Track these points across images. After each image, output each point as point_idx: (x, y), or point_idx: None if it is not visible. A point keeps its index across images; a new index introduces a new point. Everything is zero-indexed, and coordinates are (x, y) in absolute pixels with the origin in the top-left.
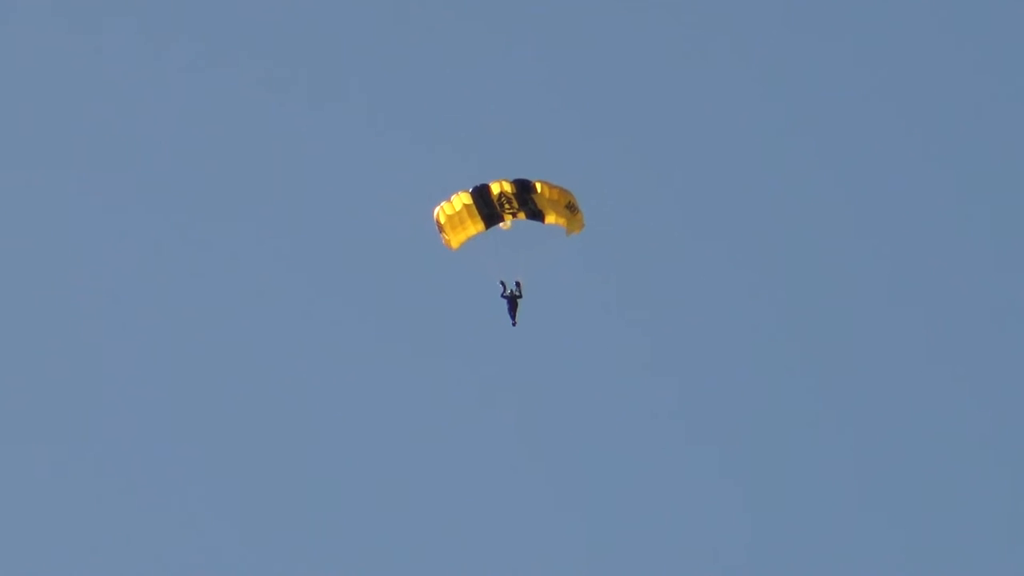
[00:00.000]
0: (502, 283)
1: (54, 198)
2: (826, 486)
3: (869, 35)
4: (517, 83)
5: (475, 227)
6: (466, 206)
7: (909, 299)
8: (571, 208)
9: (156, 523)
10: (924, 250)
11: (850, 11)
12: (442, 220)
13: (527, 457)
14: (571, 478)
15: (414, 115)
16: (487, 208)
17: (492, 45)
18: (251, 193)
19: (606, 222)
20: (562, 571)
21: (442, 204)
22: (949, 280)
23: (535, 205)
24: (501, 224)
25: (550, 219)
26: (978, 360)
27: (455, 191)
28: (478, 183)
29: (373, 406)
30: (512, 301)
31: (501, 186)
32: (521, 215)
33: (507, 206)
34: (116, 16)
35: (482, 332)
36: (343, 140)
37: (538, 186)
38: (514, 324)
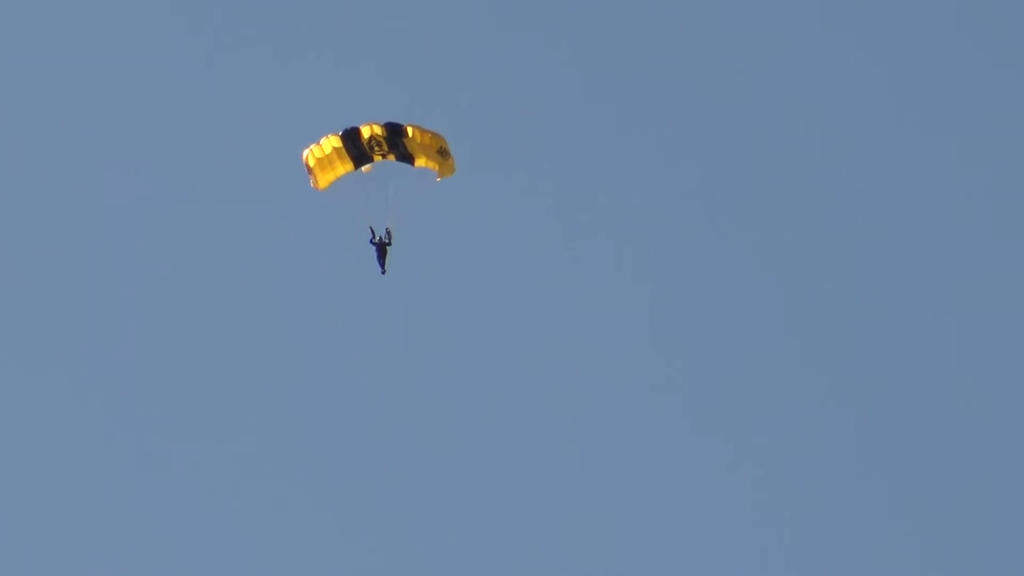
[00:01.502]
0: (371, 229)
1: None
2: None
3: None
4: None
5: (344, 168)
6: (335, 149)
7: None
8: (443, 153)
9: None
10: (932, 237)
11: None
12: (311, 163)
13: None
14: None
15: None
16: (356, 150)
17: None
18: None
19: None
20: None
21: (311, 147)
22: (953, 270)
23: (405, 148)
24: (363, 168)
25: (419, 162)
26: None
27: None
28: (347, 126)
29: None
30: (381, 248)
31: (372, 129)
32: (391, 157)
33: (376, 148)
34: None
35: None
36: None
37: (409, 130)
38: (383, 272)
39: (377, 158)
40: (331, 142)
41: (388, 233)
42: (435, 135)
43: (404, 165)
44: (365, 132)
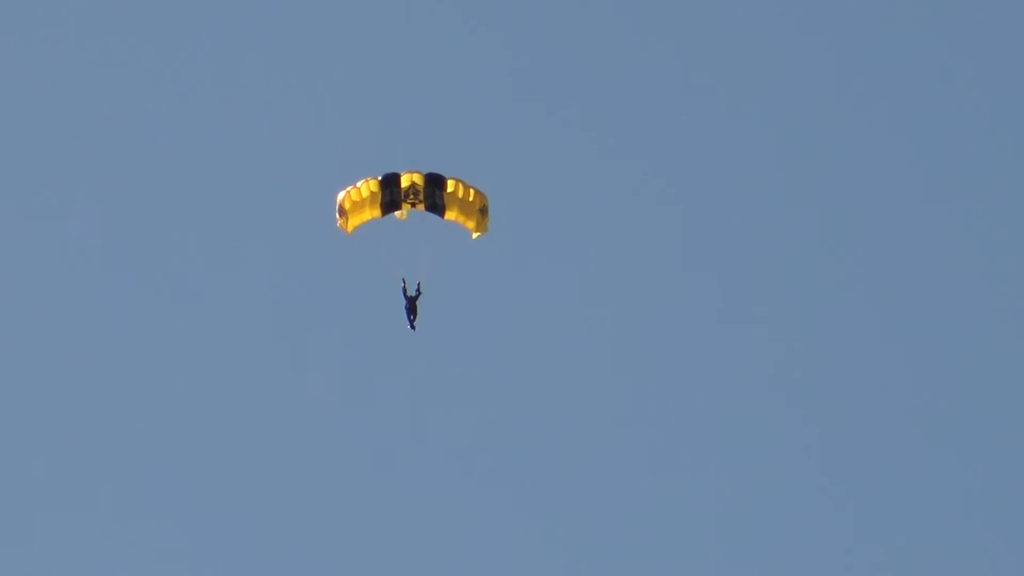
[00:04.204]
0: (403, 281)
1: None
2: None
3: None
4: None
5: (371, 213)
6: (372, 193)
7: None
8: (483, 211)
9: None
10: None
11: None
12: (347, 205)
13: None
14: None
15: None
16: (390, 196)
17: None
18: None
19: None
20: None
21: (348, 189)
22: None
23: (440, 200)
24: (397, 212)
25: (450, 215)
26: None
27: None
28: (388, 172)
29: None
30: (412, 303)
31: (411, 177)
32: (421, 207)
33: (411, 197)
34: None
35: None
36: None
37: (450, 183)
38: (412, 328)
39: (406, 206)
40: (369, 186)
41: (419, 288)
42: (479, 192)
43: (435, 217)
44: (405, 180)
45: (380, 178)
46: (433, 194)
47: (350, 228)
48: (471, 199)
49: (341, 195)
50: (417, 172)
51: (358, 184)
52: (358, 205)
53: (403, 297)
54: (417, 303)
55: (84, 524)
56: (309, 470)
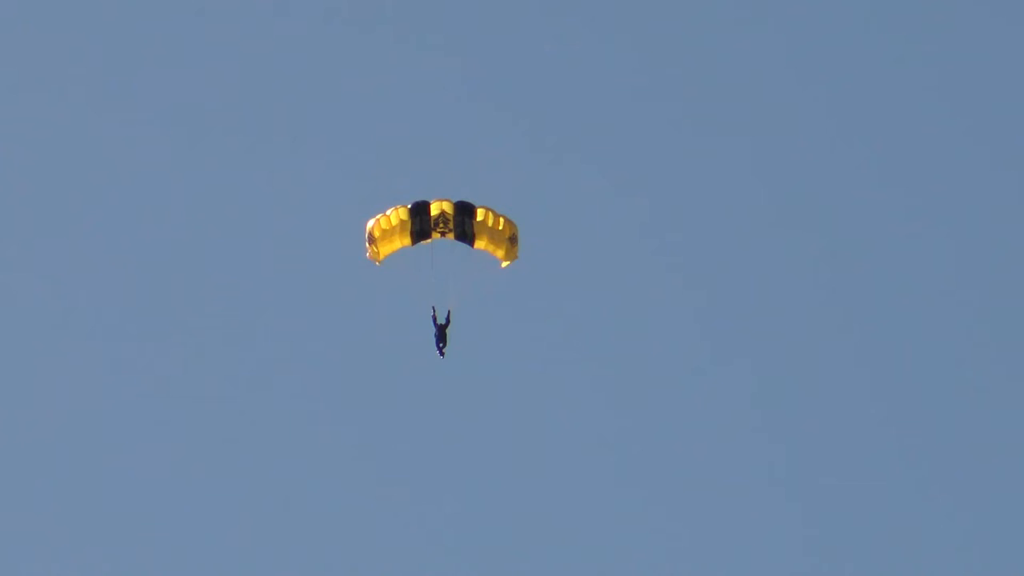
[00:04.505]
0: (433, 308)
1: None
2: None
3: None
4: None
5: (401, 242)
6: (401, 221)
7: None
8: (513, 240)
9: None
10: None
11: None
12: (376, 233)
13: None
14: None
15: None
16: (419, 225)
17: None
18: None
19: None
20: None
21: (378, 217)
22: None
23: (470, 229)
24: (424, 240)
25: (479, 244)
26: None
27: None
28: (418, 199)
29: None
30: (441, 330)
31: (441, 206)
32: (450, 236)
33: (441, 226)
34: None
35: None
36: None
37: (480, 212)
38: (442, 355)
39: (436, 235)
40: (399, 214)
41: (448, 315)
42: (509, 221)
43: (464, 245)
44: (435, 208)
45: (409, 206)
46: (463, 222)
47: (381, 257)
48: (501, 227)
49: (371, 223)
50: (446, 200)
51: (387, 212)
52: (388, 233)
53: (432, 325)
54: (447, 331)
55: (83, 524)
56: (336, 498)
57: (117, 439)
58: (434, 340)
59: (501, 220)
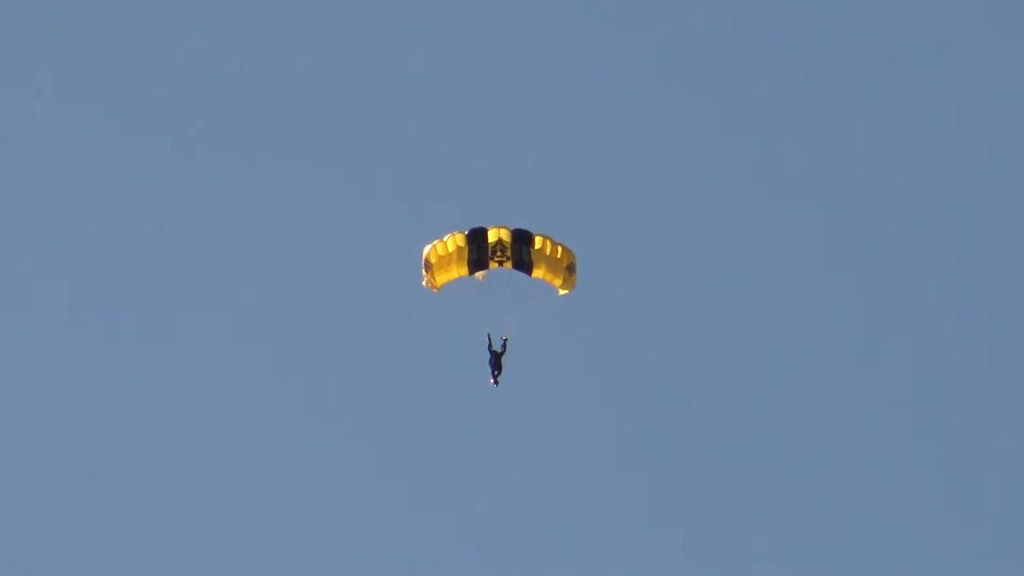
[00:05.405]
0: (488, 336)
1: None
2: None
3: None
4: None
5: (459, 271)
6: (459, 248)
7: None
8: (571, 269)
9: None
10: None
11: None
12: (432, 260)
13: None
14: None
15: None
16: (477, 254)
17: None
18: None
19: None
20: None
21: (435, 243)
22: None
23: (528, 257)
24: (477, 274)
25: (537, 273)
26: None
27: (450, 231)
28: (476, 226)
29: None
30: (496, 358)
31: (499, 233)
32: (508, 264)
33: (499, 255)
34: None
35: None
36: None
37: (538, 240)
38: (495, 383)
39: (494, 264)
40: (456, 240)
41: (504, 343)
42: (567, 249)
43: (521, 274)
44: (492, 236)
45: (467, 233)
46: (520, 251)
47: (438, 284)
48: (559, 256)
49: (427, 249)
50: (504, 228)
51: (444, 238)
52: (444, 260)
53: (488, 352)
54: (502, 359)
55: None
56: (387, 523)
57: (137, 439)
58: (489, 367)
59: (559, 248)
